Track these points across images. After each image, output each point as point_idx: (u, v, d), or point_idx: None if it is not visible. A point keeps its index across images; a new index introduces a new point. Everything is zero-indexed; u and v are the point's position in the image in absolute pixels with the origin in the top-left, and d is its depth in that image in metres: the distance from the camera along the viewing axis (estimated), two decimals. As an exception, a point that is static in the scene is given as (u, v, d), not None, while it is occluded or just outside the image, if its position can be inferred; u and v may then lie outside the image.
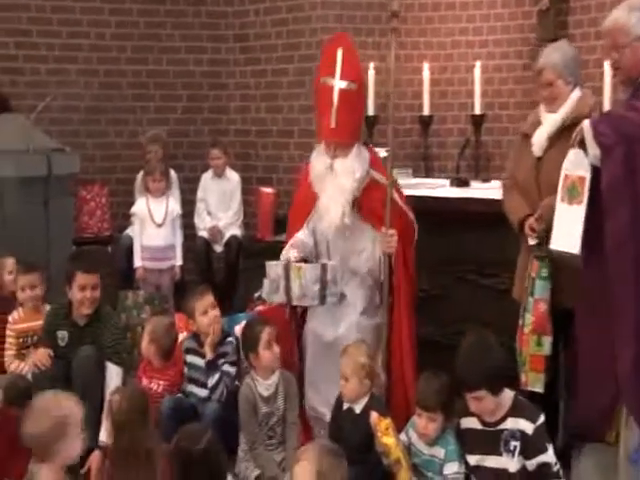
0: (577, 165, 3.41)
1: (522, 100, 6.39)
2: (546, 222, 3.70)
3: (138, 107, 7.22)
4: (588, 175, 3.36)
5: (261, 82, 7.25)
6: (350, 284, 4.10)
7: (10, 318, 4.69)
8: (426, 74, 6.44)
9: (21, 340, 4.64)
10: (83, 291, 4.24)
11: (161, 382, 4.14)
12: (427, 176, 6.28)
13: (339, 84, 3.96)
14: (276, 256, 6.14)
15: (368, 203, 4.07)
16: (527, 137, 3.94)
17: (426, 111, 6.47)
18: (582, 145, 3.39)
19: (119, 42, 7.13)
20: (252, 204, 6.96)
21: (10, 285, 4.90)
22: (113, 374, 4.18)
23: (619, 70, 3.51)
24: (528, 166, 3.89)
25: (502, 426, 3.19)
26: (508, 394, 3.24)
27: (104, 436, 3.76)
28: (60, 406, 3.04)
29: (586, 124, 3.38)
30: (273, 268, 4.01)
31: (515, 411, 3.20)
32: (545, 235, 3.69)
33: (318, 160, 4.14)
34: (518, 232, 3.89)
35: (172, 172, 6.47)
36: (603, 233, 3.35)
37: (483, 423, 3.26)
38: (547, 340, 3.71)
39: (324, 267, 3.93)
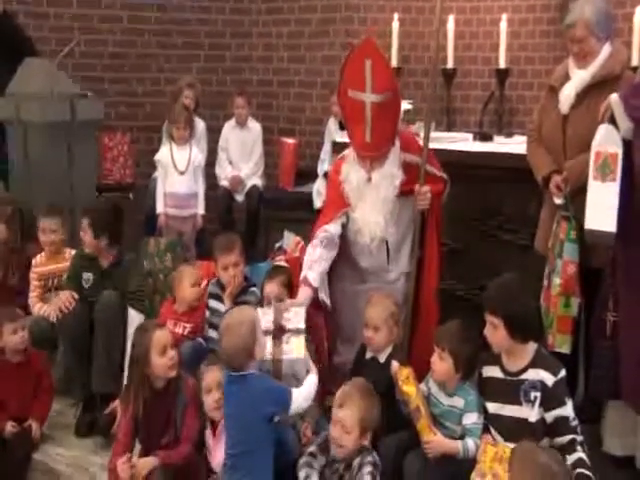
0: (609, 141, 3.33)
1: (548, 55, 6.32)
2: (571, 183, 3.68)
3: (161, 55, 7.21)
4: (620, 151, 3.30)
5: (283, 31, 7.20)
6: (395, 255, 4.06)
7: (33, 261, 4.78)
8: (451, 26, 6.37)
9: (43, 283, 4.72)
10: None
11: (187, 325, 4.20)
12: (449, 130, 6.25)
13: (371, 98, 3.66)
14: (297, 206, 6.22)
15: (405, 185, 3.88)
16: (554, 90, 3.85)
17: (450, 64, 6.42)
18: (612, 120, 3.32)
19: (142, -12, 7.11)
20: (274, 154, 6.96)
21: None
22: (134, 320, 4.24)
23: None
24: (554, 121, 3.82)
25: (523, 376, 3.21)
26: (532, 345, 3.26)
27: None
28: (244, 314, 3.32)
29: (615, 98, 3.31)
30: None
31: (537, 363, 3.21)
32: (571, 196, 3.68)
33: (352, 172, 3.87)
34: (542, 188, 3.88)
35: (199, 121, 6.48)
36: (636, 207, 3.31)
37: (504, 372, 3.28)
38: (575, 301, 3.68)
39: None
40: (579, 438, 3.18)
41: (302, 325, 3.57)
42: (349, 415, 3.19)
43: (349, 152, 3.96)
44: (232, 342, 3.20)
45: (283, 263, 4.64)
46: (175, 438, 3.49)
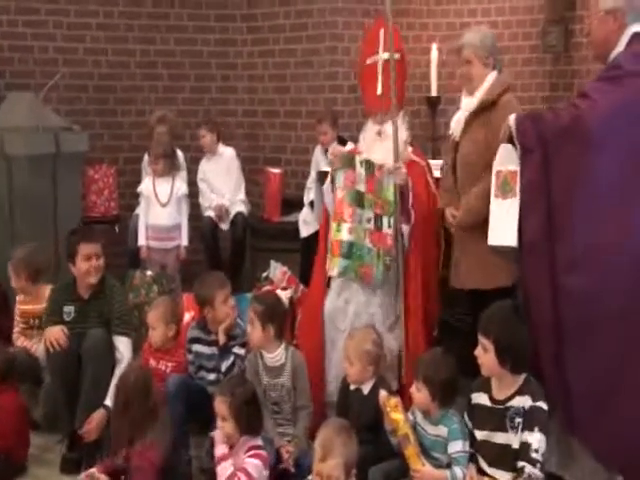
0: (508, 160, 3.49)
1: (530, 82, 6.39)
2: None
3: (146, 86, 7.22)
4: (519, 169, 3.44)
5: (269, 62, 7.23)
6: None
7: (17, 297, 4.69)
8: (434, 55, 6.44)
9: (24, 321, 4.66)
10: (89, 261, 4.20)
11: (169, 364, 4.17)
12: (434, 158, 6.26)
13: (382, 56, 4.21)
14: (283, 236, 6.21)
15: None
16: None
17: (434, 92, 6.48)
18: (511, 140, 3.46)
19: (127, 21, 7.11)
20: (259, 184, 6.97)
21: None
22: (121, 347, 4.16)
23: (589, 42, 3.60)
24: (450, 145, 4.07)
25: (510, 404, 3.23)
26: (521, 376, 3.28)
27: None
28: None
29: (511, 120, 3.46)
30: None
31: (524, 390, 3.23)
32: None
33: (367, 131, 4.33)
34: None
35: (179, 152, 6.46)
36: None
37: (492, 400, 3.30)
38: (345, 226, 4.13)
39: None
40: (533, 473, 3.09)
41: None
42: (333, 466, 3.00)
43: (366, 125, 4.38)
44: None
45: (282, 292, 4.68)
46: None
